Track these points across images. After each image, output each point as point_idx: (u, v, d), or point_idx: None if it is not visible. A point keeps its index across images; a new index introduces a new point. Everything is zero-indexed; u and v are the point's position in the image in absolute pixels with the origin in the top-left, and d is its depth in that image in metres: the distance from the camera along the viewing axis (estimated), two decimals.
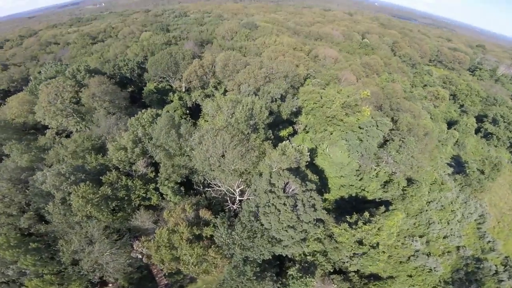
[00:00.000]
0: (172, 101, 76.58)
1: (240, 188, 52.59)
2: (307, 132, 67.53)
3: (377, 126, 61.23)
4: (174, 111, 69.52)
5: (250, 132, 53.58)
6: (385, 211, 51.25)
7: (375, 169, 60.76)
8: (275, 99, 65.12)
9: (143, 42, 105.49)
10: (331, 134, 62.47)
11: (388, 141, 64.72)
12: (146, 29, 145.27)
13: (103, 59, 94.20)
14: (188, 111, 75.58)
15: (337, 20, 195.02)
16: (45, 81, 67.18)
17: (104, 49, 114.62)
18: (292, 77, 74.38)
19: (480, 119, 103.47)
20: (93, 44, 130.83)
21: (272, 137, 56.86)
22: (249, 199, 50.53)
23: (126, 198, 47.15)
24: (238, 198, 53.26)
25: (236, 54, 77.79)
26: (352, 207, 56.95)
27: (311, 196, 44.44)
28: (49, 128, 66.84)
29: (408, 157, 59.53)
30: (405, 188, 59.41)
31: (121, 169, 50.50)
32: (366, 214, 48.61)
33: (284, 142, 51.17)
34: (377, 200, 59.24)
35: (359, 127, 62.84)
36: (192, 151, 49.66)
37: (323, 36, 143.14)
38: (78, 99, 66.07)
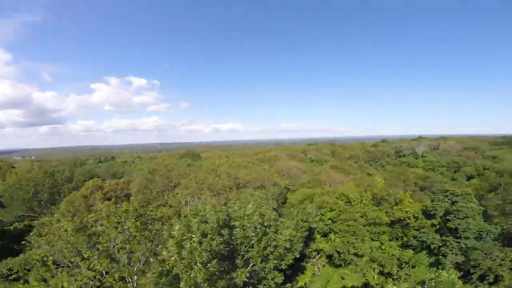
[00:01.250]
0: (31, 249, 34.54)
1: None
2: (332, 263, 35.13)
3: (463, 201, 38.64)
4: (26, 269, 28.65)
5: None
6: None
7: None
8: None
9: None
10: (383, 249, 36.20)
11: None
12: None
13: None
14: None
15: (275, 149, 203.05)
16: None
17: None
18: (274, 190, 45.77)
19: None
20: None
21: None
22: None
23: None
24: None
25: (170, 164, 49.85)
26: None
27: None
28: None
29: None
30: None
31: None
32: None
33: None
34: None
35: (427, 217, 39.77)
36: None
37: (272, 159, 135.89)
38: None
